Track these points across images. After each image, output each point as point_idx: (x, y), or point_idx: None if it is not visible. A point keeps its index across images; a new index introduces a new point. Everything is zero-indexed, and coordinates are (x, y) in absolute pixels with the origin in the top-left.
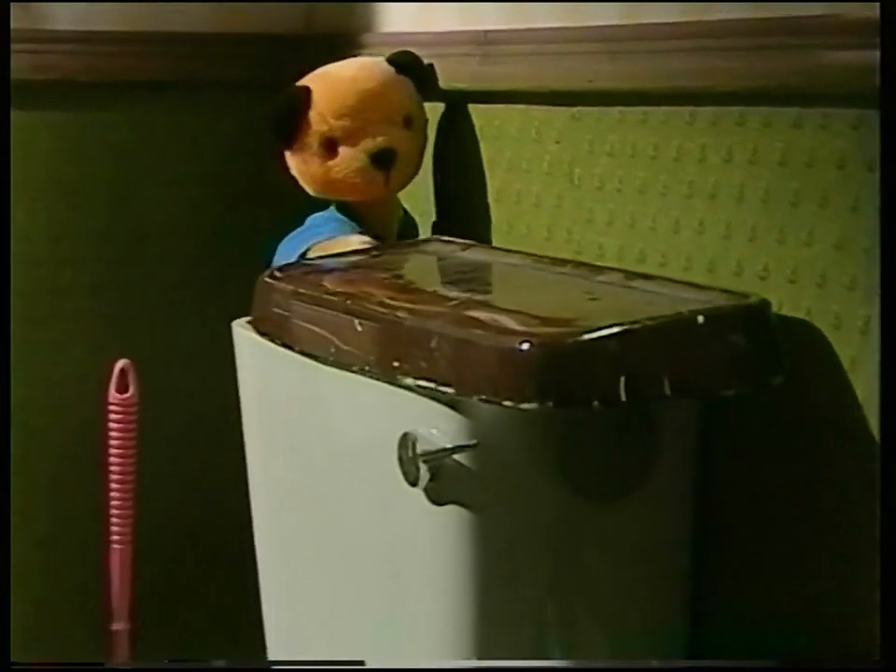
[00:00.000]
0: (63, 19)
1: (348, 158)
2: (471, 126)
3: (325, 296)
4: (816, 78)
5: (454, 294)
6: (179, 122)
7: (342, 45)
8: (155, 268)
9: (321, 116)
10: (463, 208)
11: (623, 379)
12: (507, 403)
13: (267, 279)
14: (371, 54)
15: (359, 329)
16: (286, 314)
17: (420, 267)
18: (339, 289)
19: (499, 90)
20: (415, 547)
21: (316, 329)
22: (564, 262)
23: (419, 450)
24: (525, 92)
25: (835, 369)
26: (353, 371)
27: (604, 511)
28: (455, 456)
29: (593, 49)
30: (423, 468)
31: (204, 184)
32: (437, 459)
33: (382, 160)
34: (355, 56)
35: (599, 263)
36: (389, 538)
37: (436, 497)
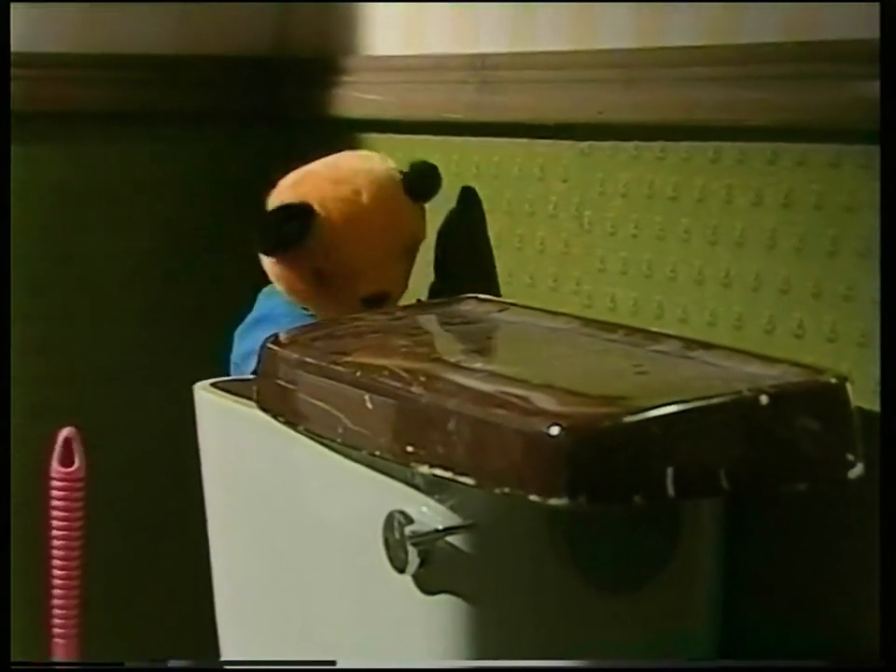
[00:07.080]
0: None
1: (338, 300)
2: (467, 163)
3: (333, 366)
4: (856, 112)
5: (479, 365)
6: (131, 159)
7: (319, 70)
8: (103, 325)
9: (318, 249)
10: (458, 256)
11: (670, 471)
12: (533, 498)
13: (271, 346)
14: (353, 81)
15: (370, 406)
16: (291, 386)
17: (447, 331)
18: (350, 359)
19: (499, 121)
20: (403, 640)
21: (323, 405)
22: (616, 327)
23: (407, 532)
24: (527, 125)
25: (877, 434)
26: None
27: (618, 602)
28: (448, 539)
29: (604, 77)
30: (412, 551)
31: (160, 230)
32: (427, 542)
33: (373, 303)
34: (335, 82)
35: (655, 329)
36: (373, 628)
37: (426, 585)
